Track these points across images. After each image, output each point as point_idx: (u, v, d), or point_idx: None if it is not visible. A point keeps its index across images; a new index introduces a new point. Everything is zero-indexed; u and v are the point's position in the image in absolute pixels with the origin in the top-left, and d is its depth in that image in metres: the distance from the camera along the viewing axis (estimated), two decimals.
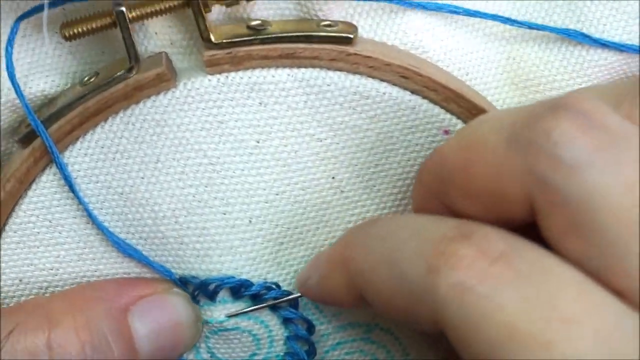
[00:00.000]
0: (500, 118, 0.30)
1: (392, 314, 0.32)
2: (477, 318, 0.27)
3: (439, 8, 0.38)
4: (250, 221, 0.38)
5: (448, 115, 0.37)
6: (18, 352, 0.34)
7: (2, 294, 0.38)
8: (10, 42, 0.35)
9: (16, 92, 0.36)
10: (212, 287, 0.38)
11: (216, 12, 0.37)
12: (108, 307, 0.36)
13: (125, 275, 0.38)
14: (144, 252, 0.38)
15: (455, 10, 0.38)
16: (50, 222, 0.37)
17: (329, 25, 0.37)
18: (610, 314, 0.26)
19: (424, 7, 0.38)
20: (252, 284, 0.38)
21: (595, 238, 0.27)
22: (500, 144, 0.29)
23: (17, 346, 0.34)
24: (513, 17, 0.39)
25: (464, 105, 0.37)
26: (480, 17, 0.38)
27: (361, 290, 0.33)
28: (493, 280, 0.27)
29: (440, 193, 0.32)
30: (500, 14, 0.38)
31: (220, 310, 0.38)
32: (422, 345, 0.40)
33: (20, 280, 0.38)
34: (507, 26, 0.39)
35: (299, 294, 0.38)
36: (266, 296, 0.38)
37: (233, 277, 0.38)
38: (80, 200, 0.36)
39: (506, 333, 0.26)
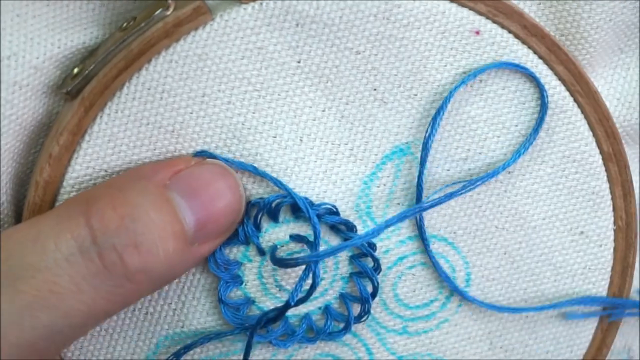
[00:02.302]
0: None
1: None
2: None
3: None
4: (301, 140, 0.38)
5: (478, 17, 0.38)
6: (61, 243, 0.34)
7: None
8: None
9: None
10: (274, 204, 0.38)
11: None
12: (144, 185, 0.36)
13: None
14: None
15: None
16: (105, 171, 0.38)
17: None
18: None
19: None
20: (312, 203, 0.39)
21: None
22: None
23: (60, 237, 0.34)
24: None
25: (491, 5, 0.38)
26: None
27: None
28: None
29: None
30: None
31: (284, 231, 0.39)
32: (481, 251, 0.41)
33: None
34: None
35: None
36: (325, 219, 0.39)
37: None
38: None
39: None
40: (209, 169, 0.37)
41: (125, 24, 0.37)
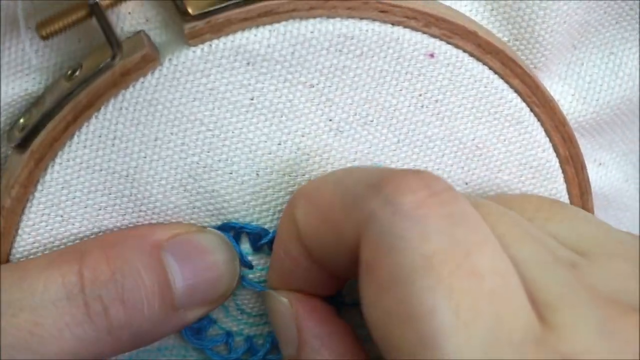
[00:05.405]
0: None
1: (321, 242, 0.33)
2: (397, 240, 0.28)
3: None
4: (257, 174, 0.38)
5: (432, 40, 0.38)
6: (50, 285, 0.34)
7: None
8: None
9: None
10: (233, 232, 0.39)
11: None
12: (140, 242, 0.36)
13: None
14: None
15: None
16: (62, 217, 0.37)
17: None
18: (508, 279, 0.28)
19: None
20: (268, 232, 0.39)
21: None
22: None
23: (50, 280, 0.34)
24: None
25: (445, 27, 0.38)
26: None
27: (298, 215, 0.34)
28: (427, 209, 0.28)
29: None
30: None
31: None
32: None
33: None
34: None
35: None
36: None
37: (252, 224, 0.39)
38: None
39: (418, 262, 0.27)
40: (208, 238, 0.37)
41: (70, 72, 0.36)
